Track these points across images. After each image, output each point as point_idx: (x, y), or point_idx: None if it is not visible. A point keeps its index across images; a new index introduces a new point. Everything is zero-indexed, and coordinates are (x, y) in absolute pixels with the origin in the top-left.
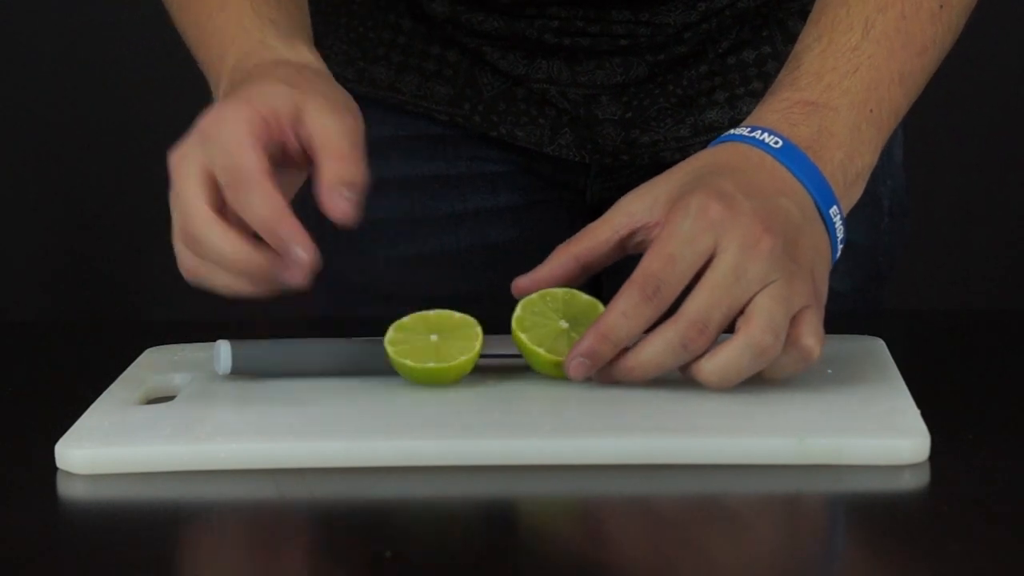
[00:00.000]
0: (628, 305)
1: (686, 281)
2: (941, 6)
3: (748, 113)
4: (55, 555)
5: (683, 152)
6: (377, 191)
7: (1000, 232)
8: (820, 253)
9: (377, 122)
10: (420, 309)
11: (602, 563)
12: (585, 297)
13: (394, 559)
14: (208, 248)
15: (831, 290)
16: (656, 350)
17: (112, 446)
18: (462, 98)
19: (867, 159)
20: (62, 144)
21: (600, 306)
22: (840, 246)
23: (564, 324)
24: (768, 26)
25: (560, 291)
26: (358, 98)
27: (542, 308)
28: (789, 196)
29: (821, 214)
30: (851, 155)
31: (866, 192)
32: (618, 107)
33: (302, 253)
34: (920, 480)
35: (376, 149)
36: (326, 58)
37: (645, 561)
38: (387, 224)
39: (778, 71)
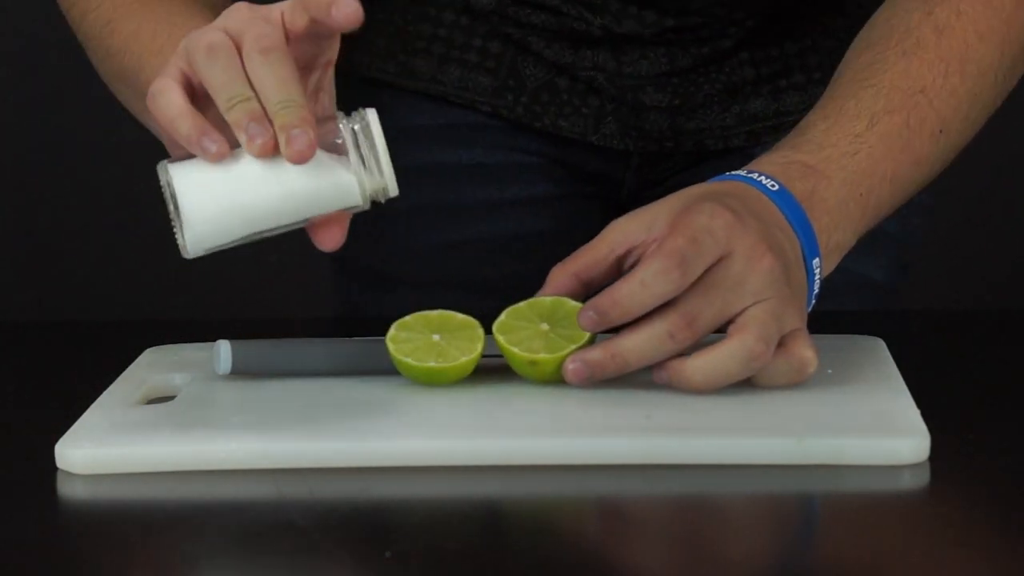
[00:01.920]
0: (648, 274)
1: (706, 265)
2: (941, 130)
3: (792, 105)
4: (55, 555)
5: (726, 141)
6: (414, 178)
7: (1000, 232)
8: (804, 292)
9: (416, 111)
10: (451, 297)
11: (602, 563)
12: (572, 303)
13: (394, 559)
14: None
15: (868, 278)
16: (643, 337)
17: (112, 446)
18: (505, 89)
19: (847, 237)
20: (62, 144)
21: None
22: (813, 301)
23: (544, 326)
24: (807, 21)
25: (548, 299)
26: (399, 89)
27: (527, 314)
28: (783, 233)
29: (804, 262)
30: (835, 225)
31: None
32: (664, 95)
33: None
34: (920, 480)
35: (414, 137)
36: (366, 52)
37: (645, 561)
38: (423, 211)
39: (819, 64)
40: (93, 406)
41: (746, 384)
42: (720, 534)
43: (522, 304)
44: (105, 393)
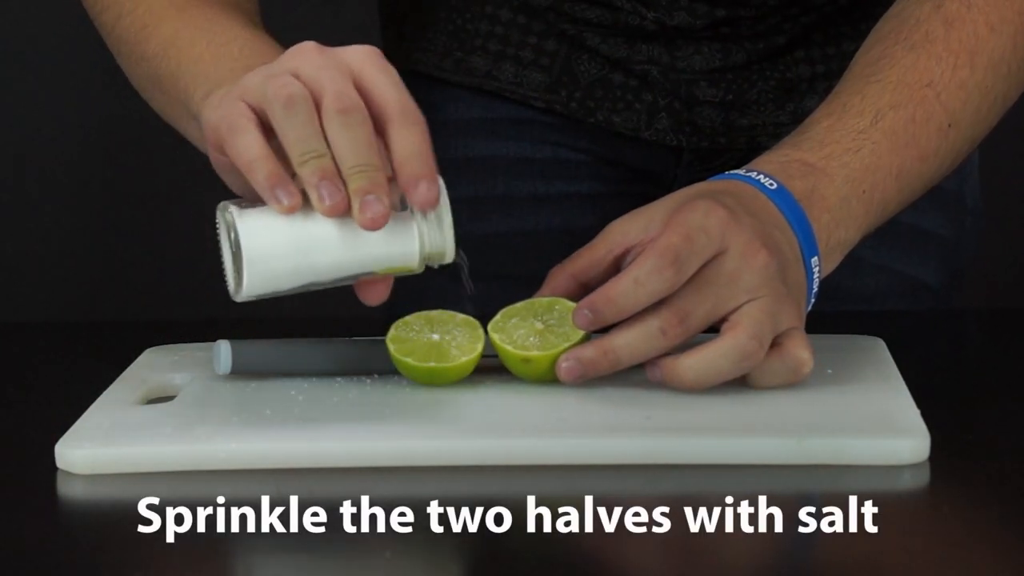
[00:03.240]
0: (642, 272)
1: (700, 263)
2: (950, 124)
3: None
4: (55, 555)
5: (779, 138)
6: (462, 169)
7: (1000, 231)
8: (802, 291)
9: (470, 106)
10: (492, 288)
11: (602, 563)
12: (568, 303)
13: (394, 559)
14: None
15: (922, 283)
16: (635, 333)
17: (112, 446)
18: (559, 85)
19: (850, 235)
20: (62, 144)
21: None
22: (812, 300)
23: (539, 325)
24: (865, 20)
25: (545, 299)
26: (455, 86)
27: (523, 313)
28: (780, 231)
29: (803, 261)
30: (837, 223)
31: (949, 189)
32: (717, 90)
33: (378, 202)
34: (920, 480)
35: (465, 130)
36: (424, 51)
37: (645, 561)
38: (468, 202)
39: None
40: (93, 406)
41: (745, 384)
42: (720, 534)
43: (518, 304)
44: (105, 393)
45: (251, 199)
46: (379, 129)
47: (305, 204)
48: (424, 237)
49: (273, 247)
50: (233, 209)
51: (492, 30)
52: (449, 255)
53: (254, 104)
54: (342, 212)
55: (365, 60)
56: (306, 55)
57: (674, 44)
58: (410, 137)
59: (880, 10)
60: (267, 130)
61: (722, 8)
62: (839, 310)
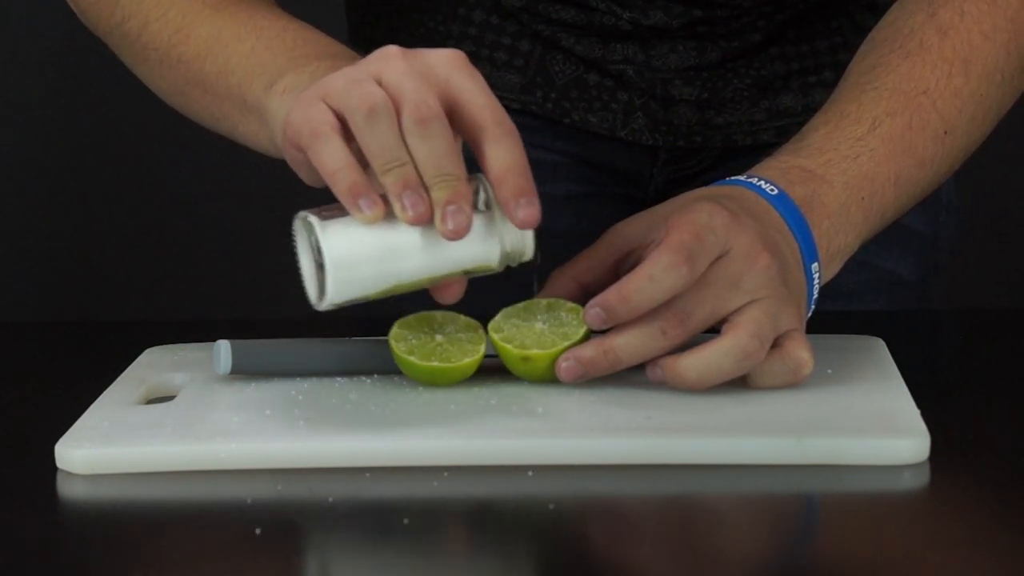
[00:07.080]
0: (657, 268)
1: (710, 260)
2: (946, 132)
3: (822, 101)
4: (55, 555)
5: (755, 136)
6: None
7: (1000, 232)
8: (802, 294)
9: None
10: (470, 290)
11: (602, 563)
12: (569, 304)
13: (395, 558)
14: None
15: (899, 277)
16: (635, 333)
17: (112, 446)
18: (534, 86)
19: (849, 240)
20: (62, 144)
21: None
22: (812, 306)
23: (539, 325)
24: (837, 17)
25: (545, 300)
26: None
27: (524, 314)
28: (781, 235)
29: (803, 266)
30: (836, 229)
31: None
32: (693, 89)
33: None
34: (920, 480)
35: None
36: None
37: (645, 561)
38: None
39: (850, 61)
40: (93, 406)
41: (745, 384)
42: (720, 534)
43: (519, 304)
44: (105, 393)
45: (327, 202)
46: (472, 137)
47: (388, 214)
48: (505, 237)
49: (356, 256)
50: (314, 219)
51: (465, 31)
52: (529, 253)
53: (336, 108)
54: (426, 221)
55: (452, 65)
56: (390, 60)
57: (649, 43)
58: (507, 150)
59: (852, 7)
60: (348, 133)
61: (698, 8)
62: (830, 309)
